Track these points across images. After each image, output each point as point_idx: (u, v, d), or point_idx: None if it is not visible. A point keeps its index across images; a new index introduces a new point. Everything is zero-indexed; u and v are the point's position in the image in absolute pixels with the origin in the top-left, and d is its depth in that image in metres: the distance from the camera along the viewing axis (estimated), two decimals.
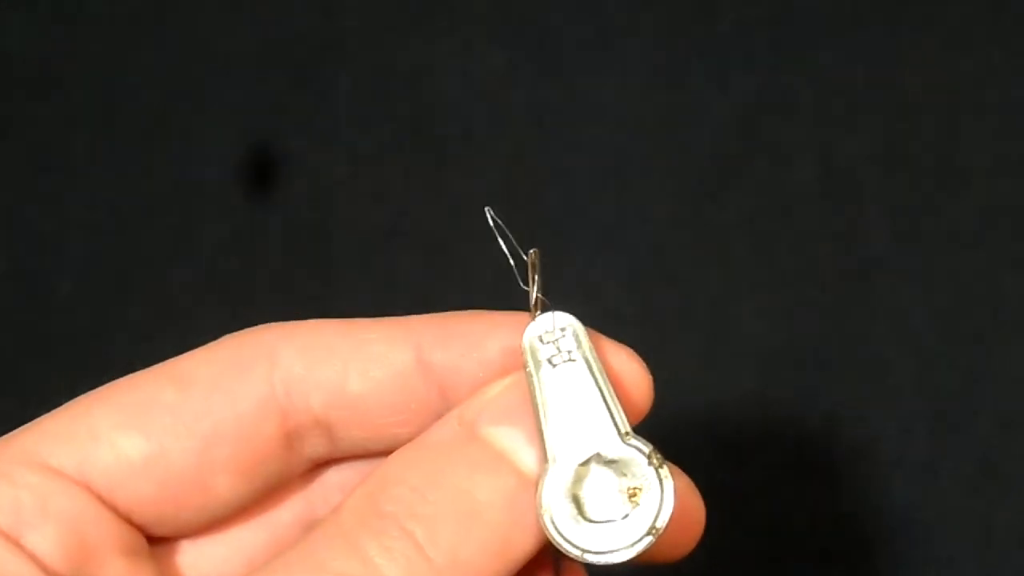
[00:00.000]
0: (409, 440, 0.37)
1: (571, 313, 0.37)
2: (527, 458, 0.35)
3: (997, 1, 0.83)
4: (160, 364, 0.38)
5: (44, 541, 0.35)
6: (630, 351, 0.38)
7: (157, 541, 0.38)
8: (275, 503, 0.40)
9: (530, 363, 0.36)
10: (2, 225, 0.86)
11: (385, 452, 0.38)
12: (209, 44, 0.89)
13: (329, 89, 0.87)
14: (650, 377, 0.38)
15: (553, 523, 0.35)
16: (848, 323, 0.79)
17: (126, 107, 0.88)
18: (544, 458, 0.35)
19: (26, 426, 0.37)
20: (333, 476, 0.41)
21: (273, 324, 0.39)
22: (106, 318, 0.83)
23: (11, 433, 0.37)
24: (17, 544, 0.34)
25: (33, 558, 0.34)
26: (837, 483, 0.77)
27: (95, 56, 0.89)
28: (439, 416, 0.37)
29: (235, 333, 0.39)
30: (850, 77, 0.82)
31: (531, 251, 0.38)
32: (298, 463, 0.39)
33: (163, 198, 0.86)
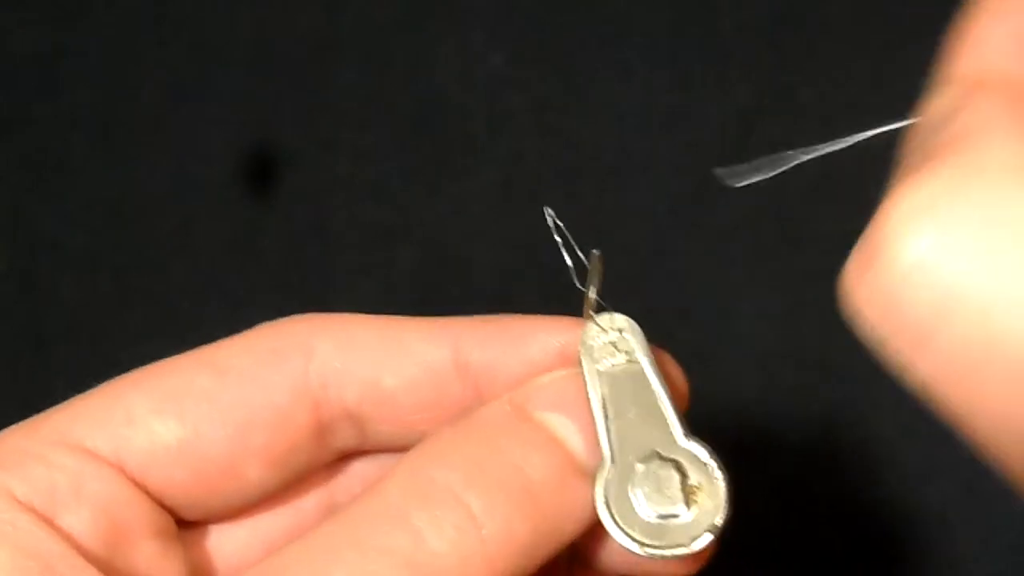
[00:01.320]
0: None
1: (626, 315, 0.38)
2: (578, 446, 0.36)
3: None
4: (196, 350, 0.39)
5: (79, 522, 0.35)
6: (669, 357, 0.39)
7: (184, 524, 0.38)
8: (300, 490, 0.40)
9: (587, 362, 0.37)
10: (2, 225, 0.86)
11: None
12: (209, 44, 0.89)
13: (329, 89, 0.87)
14: (687, 383, 0.38)
15: (613, 518, 0.35)
16: (848, 323, 0.79)
17: (126, 107, 0.88)
18: (602, 455, 0.36)
19: (60, 406, 0.38)
20: (357, 467, 0.41)
21: (310, 315, 0.39)
22: (106, 318, 0.83)
23: (45, 413, 0.37)
24: (52, 524, 0.34)
25: (68, 538, 0.34)
26: (837, 483, 0.77)
27: (95, 56, 0.89)
28: None
29: (272, 322, 0.39)
30: (850, 77, 0.82)
31: (594, 252, 0.38)
32: (326, 453, 0.39)
33: (163, 198, 0.86)
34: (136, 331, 0.83)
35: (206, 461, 0.37)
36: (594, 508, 0.35)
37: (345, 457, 0.40)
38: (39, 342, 0.84)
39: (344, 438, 0.39)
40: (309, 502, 0.40)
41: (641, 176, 0.83)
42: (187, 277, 0.84)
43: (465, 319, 0.40)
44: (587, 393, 0.36)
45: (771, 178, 0.35)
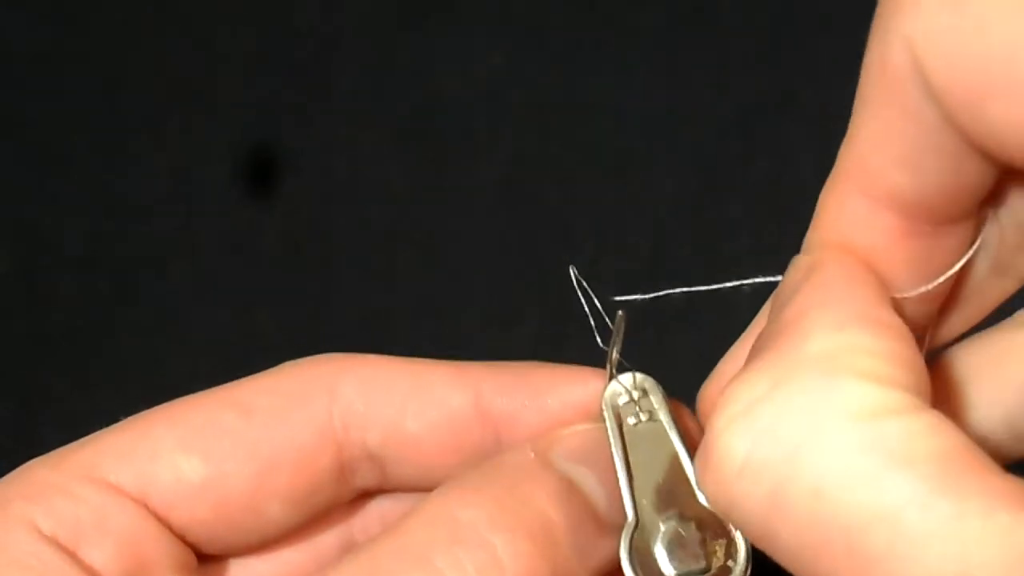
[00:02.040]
0: None
1: (647, 374, 0.38)
2: (599, 498, 0.36)
3: None
4: (221, 388, 0.39)
5: (102, 556, 0.35)
6: (689, 412, 0.39)
7: (204, 558, 0.39)
8: (320, 526, 0.40)
9: (610, 420, 0.37)
10: (2, 225, 0.86)
11: (433, 488, 0.39)
12: (209, 44, 0.89)
13: (329, 89, 0.87)
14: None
15: (638, 574, 0.36)
16: None
17: (126, 106, 0.88)
18: (625, 512, 0.36)
19: (86, 440, 0.38)
20: (377, 505, 0.41)
21: (334, 355, 0.40)
22: (106, 318, 0.83)
23: (70, 446, 0.37)
24: (75, 557, 0.35)
25: (91, 571, 0.35)
26: None
27: (95, 56, 0.89)
28: None
29: (296, 361, 0.40)
30: (850, 77, 0.82)
31: (619, 313, 0.38)
32: (347, 492, 0.40)
33: (163, 198, 0.86)
34: (136, 331, 0.83)
35: (229, 499, 0.37)
36: (616, 561, 0.36)
37: (365, 495, 0.41)
38: (39, 342, 0.84)
39: (365, 478, 0.39)
40: (328, 538, 0.41)
41: (641, 176, 0.83)
42: (187, 277, 0.84)
43: (487, 365, 0.40)
44: (610, 450, 0.37)
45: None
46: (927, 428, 0.27)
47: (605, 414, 0.37)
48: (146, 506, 0.37)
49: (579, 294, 0.39)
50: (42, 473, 0.36)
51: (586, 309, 0.39)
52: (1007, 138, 0.27)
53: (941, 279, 0.32)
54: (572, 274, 0.40)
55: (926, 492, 0.26)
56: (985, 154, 0.29)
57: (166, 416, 0.38)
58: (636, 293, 0.39)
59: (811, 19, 0.84)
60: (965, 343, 0.36)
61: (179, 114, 0.87)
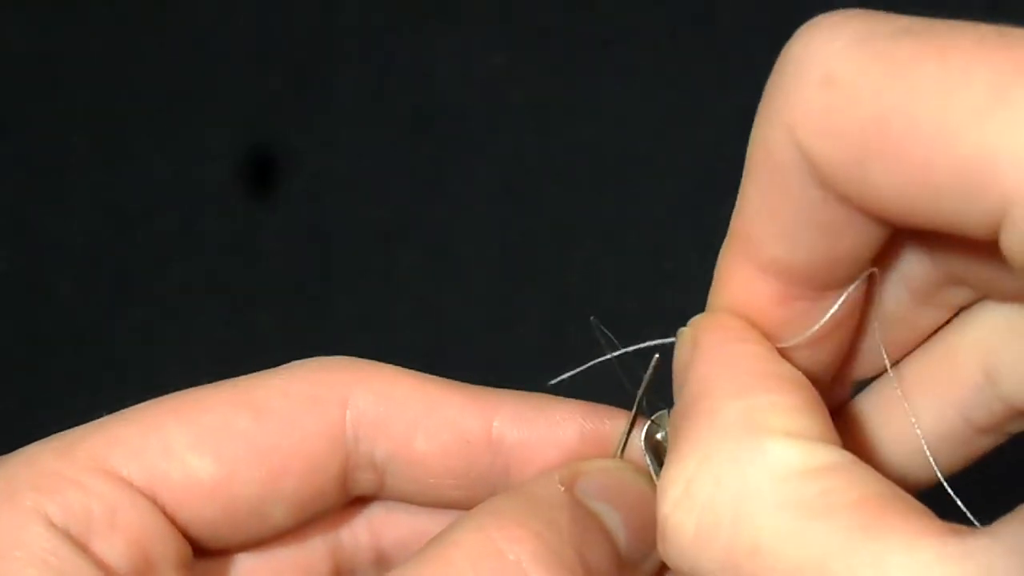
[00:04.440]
0: (460, 502, 0.38)
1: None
2: (622, 539, 0.36)
3: (995, 0, 0.83)
4: (232, 383, 0.39)
5: (111, 550, 0.35)
6: None
7: (200, 553, 0.39)
8: (311, 526, 0.40)
9: (651, 461, 0.37)
10: (2, 225, 0.86)
11: (428, 504, 0.39)
12: (209, 44, 0.89)
13: (329, 89, 0.87)
14: None
15: None
16: None
17: (126, 107, 0.88)
18: (642, 555, 0.36)
19: (95, 426, 0.38)
20: (364, 509, 0.41)
21: (348, 360, 0.39)
22: (106, 318, 0.83)
23: (78, 431, 0.37)
24: (86, 550, 0.35)
25: (100, 564, 0.35)
26: None
27: (95, 56, 0.89)
28: (496, 488, 0.38)
29: (307, 362, 0.39)
30: None
31: (656, 356, 0.38)
32: (344, 496, 0.40)
33: (163, 198, 0.86)
34: (136, 331, 0.83)
35: (237, 500, 0.37)
36: None
37: (357, 501, 0.41)
38: (39, 342, 0.84)
39: (362, 486, 0.39)
40: (317, 539, 0.41)
41: (641, 176, 0.83)
42: (187, 277, 0.84)
43: (505, 393, 0.40)
44: (633, 490, 0.37)
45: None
46: (845, 481, 0.29)
47: (646, 454, 0.37)
48: (155, 502, 0.37)
49: (601, 340, 0.39)
50: (51, 462, 0.36)
51: (612, 357, 0.39)
52: (889, 198, 0.29)
53: (812, 330, 0.34)
54: (594, 326, 0.40)
55: (844, 540, 0.28)
56: (873, 217, 0.31)
57: (178, 412, 0.38)
58: (636, 292, 0.39)
59: (810, 19, 0.84)
60: (866, 390, 0.38)
61: (179, 114, 0.87)
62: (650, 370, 0.37)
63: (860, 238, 0.32)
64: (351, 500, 0.40)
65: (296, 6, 0.89)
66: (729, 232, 0.34)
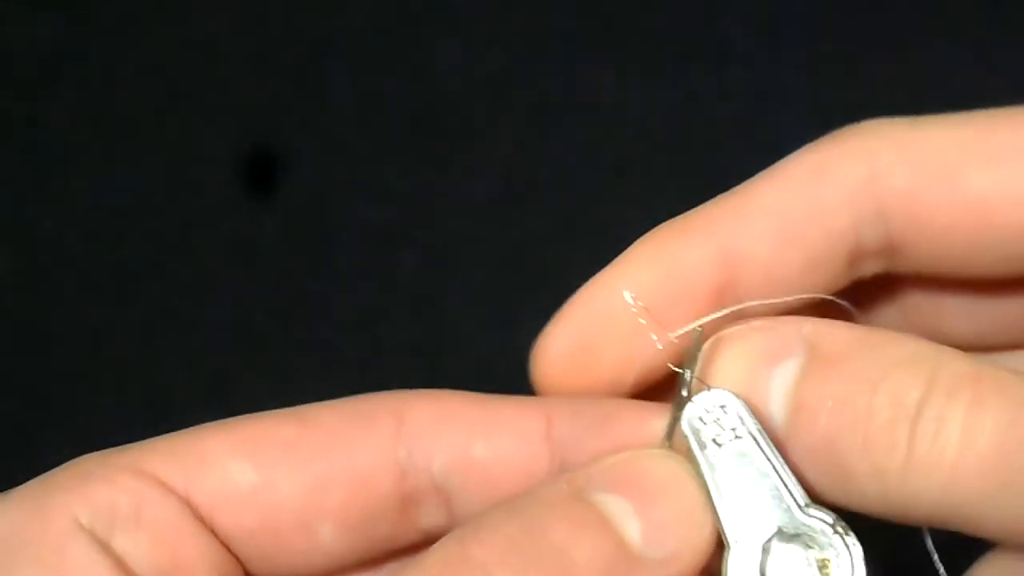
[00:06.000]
0: None
1: (726, 390, 0.36)
2: (632, 530, 0.34)
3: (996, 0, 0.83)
4: (284, 409, 0.37)
5: (134, 547, 0.34)
6: None
7: None
8: (384, 568, 0.39)
9: (694, 444, 0.35)
10: (2, 225, 0.86)
11: None
12: (209, 44, 0.89)
13: (329, 89, 0.87)
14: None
15: None
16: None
17: (126, 107, 0.88)
18: (723, 540, 0.34)
19: (142, 442, 0.36)
20: None
21: (407, 391, 0.38)
22: (106, 318, 0.83)
23: (124, 446, 0.36)
24: (106, 547, 0.34)
25: (120, 563, 0.34)
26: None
27: (95, 56, 0.89)
28: None
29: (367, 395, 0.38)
30: (849, 78, 0.82)
31: (697, 329, 0.36)
32: (413, 531, 0.38)
33: (163, 198, 0.86)
34: (136, 331, 0.83)
35: (277, 511, 0.36)
36: None
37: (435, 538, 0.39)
38: (39, 342, 0.84)
39: (431, 515, 0.37)
40: None
41: (641, 176, 0.83)
42: (187, 277, 0.84)
43: (558, 397, 0.38)
44: (695, 475, 0.35)
45: None
46: None
47: (688, 438, 0.35)
48: (188, 503, 0.35)
49: (641, 320, 0.38)
50: (87, 465, 0.35)
51: (653, 334, 0.37)
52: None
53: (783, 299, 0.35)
54: (628, 299, 0.38)
55: None
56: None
57: (224, 424, 0.36)
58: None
59: (811, 19, 0.84)
60: None
61: (179, 114, 0.87)
62: (696, 342, 0.36)
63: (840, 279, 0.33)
64: (426, 540, 0.38)
65: (296, 6, 0.89)
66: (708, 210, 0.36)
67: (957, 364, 0.31)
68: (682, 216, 0.38)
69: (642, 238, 0.39)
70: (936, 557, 0.36)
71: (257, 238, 0.84)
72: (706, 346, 0.35)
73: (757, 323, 0.35)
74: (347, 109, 0.86)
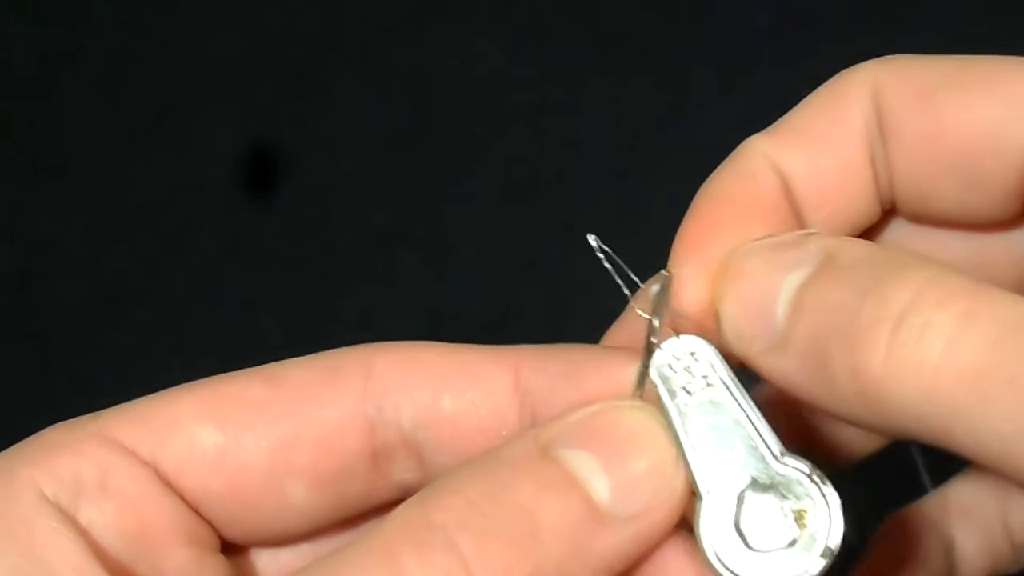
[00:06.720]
0: None
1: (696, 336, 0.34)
2: (600, 487, 0.33)
3: (993, 1, 0.83)
4: (259, 367, 0.37)
5: (100, 516, 0.34)
6: None
7: (232, 548, 0.37)
8: (358, 525, 0.38)
9: (664, 392, 0.34)
10: (2, 225, 0.86)
11: None
12: (209, 44, 0.89)
13: (329, 89, 0.87)
14: None
15: (719, 559, 0.33)
16: None
17: (126, 107, 0.88)
18: (695, 491, 0.33)
19: (115, 408, 0.36)
20: None
21: (374, 344, 0.37)
22: (106, 318, 0.83)
23: (95, 413, 0.36)
24: (72, 519, 0.33)
25: (85, 534, 0.33)
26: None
27: (95, 56, 0.89)
28: None
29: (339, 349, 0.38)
30: None
31: (663, 273, 0.35)
32: (385, 488, 0.37)
33: (163, 198, 0.86)
34: (136, 331, 0.83)
35: (245, 472, 0.35)
36: (639, 554, 0.33)
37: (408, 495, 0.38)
38: (39, 342, 0.84)
39: (403, 470, 0.37)
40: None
41: (640, 176, 0.83)
42: (187, 277, 0.84)
43: (527, 347, 0.37)
44: (666, 426, 0.33)
45: None
46: None
47: (657, 386, 0.34)
48: (156, 470, 0.35)
49: (603, 260, 0.37)
50: (53, 435, 0.35)
51: (616, 277, 0.37)
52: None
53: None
54: (593, 242, 0.37)
55: None
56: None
57: (194, 387, 0.36)
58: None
59: (811, 19, 0.84)
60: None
61: (179, 114, 0.87)
62: (664, 286, 0.35)
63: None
64: (401, 496, 0.37)
65: (296, 6, 0.89)
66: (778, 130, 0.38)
67: (958, 279, 0.30)
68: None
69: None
70: (920, 462, 0.36)
71: (257, 238, 0.84)
72: (739, 253, 0.35)
73: (787, 236, 0.35)
74: (348, 109, 0.86)
